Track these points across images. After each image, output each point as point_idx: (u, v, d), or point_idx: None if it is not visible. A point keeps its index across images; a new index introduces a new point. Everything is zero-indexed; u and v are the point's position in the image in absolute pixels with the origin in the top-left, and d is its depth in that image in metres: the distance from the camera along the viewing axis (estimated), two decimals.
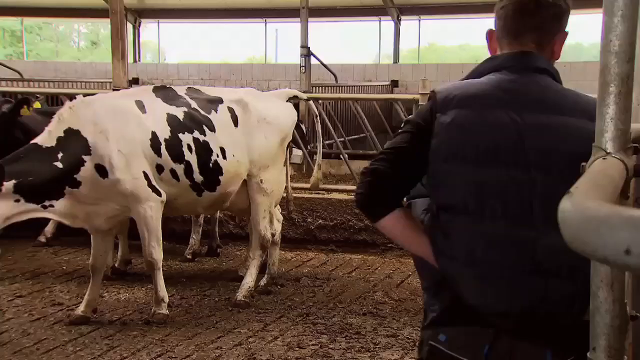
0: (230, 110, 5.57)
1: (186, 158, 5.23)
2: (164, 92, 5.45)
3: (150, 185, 5.06)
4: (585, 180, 1.08)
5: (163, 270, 6.68)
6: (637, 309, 1.67)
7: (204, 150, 5.31)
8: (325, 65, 14.06)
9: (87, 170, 4.88)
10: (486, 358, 1.95)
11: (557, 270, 1.89)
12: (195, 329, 5.09)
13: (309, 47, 12.39)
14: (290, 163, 11.82)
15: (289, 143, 7.04)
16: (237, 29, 23.20)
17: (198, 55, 23.81)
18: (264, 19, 21.47)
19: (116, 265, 6.58)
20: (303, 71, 12.23)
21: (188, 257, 7.12)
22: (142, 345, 4.73)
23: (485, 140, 1.94)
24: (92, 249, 5.26)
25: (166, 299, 5.29)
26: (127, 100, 5.26)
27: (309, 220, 7.64)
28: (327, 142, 11.55)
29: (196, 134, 5.29)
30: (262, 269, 6.64)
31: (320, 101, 10.79)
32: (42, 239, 7.64)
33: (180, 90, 5.59)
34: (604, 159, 1.27)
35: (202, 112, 5.42)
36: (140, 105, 5.22)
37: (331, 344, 4.80)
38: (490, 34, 2.19)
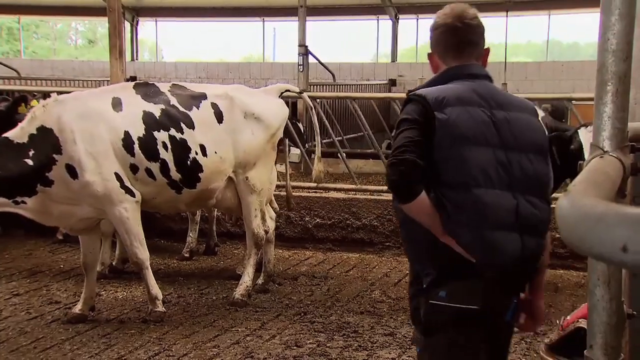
0: (214, 106, 5.45)
1: (161, 156, 5.13)
2: (145, 89, 5.35)
3: (123, 186, 4.99)
4: (583, 178, 1.09)
5: (160, 268, 6.71)
6: (634, 307, 1.67)
7: (181, 148, 5.20)
8: (323, 64, 14.06)
9: (58, 169, 4.84)
10: (482, 304, 2.41)
11: (529, 229, 2.44)
12: (193, 327, 5.09)
13: (307, 46, 12.39)
14: (289, 161, 11.84)
15: (286, 141, 7.03)
16: (235, 27, 23.19)
17: (196, 54, 23.78)
18: (262, 18, 21.48)
19: (114, 263, 6.57)
20: (301, 70, 12.22)
21: (185, 255, 7.12)
22: (139, 344, 4.73)
23: (476, 130, 2.46)
24: (81, 247, 5.27)
25: (159, 296, 5.28)
26: (104, 98, 5.18)
27: (306, 219, 7.65)
28: (325, 140, 11.56)
29: (172, 131, 5.18)
30: (260, 268, 6.64)
31: (318, 100, 10.80)
32: (59, 236, 7.65)
33: (163, 87, 5.49)
34: (601, 157, 1.28)
35: (181, 109, 5.31)
36: (117, 102, 5.13)
37: (329, 342, 4.80)
38: (430, 56, 2.71)
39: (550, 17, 19.58)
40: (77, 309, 5.22)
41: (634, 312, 1.60)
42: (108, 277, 6.34)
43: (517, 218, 2.43)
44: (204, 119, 5.36)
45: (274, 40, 21.93)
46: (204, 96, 5.48)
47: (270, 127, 5.65)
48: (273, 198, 6.86)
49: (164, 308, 5.28)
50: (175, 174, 5.19)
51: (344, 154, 8.90)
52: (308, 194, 7.85)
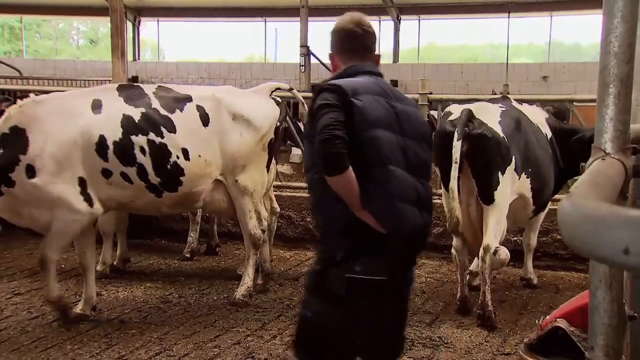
0: (200, 108, 5.34)
1: (138, 161, 5.03)
2: (128, 91, 5.27)
3: (83, 192, 4.92)
4: (585, 180, 1.09)
5: (161, 268, 6.72)
6: (635, 309, 1.67)
7: (160, 152, 5.09)
8: (324, 65, 14.06)
9: (19, 170, 4.77)
10: (391, 275, 2.77)
11: (425, 206, 2.86)
12: (194, 327, 5.09)
13: (309, 47, 12.41)
14: (289, 162, 11.85)
15: (287, 142, 7.02)
16: (237, 27, 23.20)
17: (197, 54, 23.79)
18: (264, 18, 21.50)
19: (115, 263, 6.58)
20: (302, 70, 12.25)
21: (187, 255, 7.12)
22: (140, 344, 4.73)
23: (384, 117, 2.82)
24: (76, 247, 5.27)
25: (53, 295, 5.10)
26: (84, 99, 5.12)
27: (308, 219, 7.64)
28: None
29: (152, 135, 5.07)
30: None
31: None
32: None
33: (148, 89, 5.39)
34: (603, 159, 1.28)
35: (163, 112, 5.19)
36: (97, 105, 5.06)
37: None
38: (332, 56, 3.06)
39: (552, 18, 19.58)
40: (79, 308, 5.22)
41: (635, 314, 1.60)
42: (109, 277, 6.34)
43: (417, 195, 2.84)
44: (188, 121, 5.24)
45: (275, 41, 21.95)
46: (188, 98, 5.37)
47: (260, 128, 5.52)
48: (274, 199, 6.87)
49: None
50: (154, 178, 5.08)
51: None
52: (308, 195, 7.82)
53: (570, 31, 21.10)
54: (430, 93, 7.70)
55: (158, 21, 22.92)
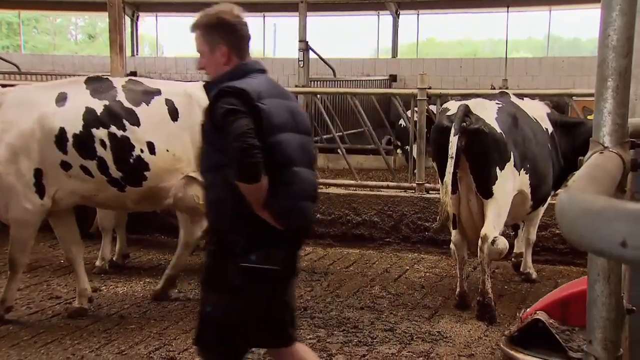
0: (169, 102, 5.24)
1: (99, 154, 4.94)
2: (96, 84, 5.20)
3: (37, 184, 4.89)
4: (583, 174, 1.09)
5: (160, 263, 6.72)
6: (633, 302, 1.68)
7: (121, 145, 5.00)
8: (323, 60, 14.04)
9: None
10: (284, 266, 3.03)
11: (315, 198, 3.19)
12: (193, 322, 5.06)
13: (308, 42, 12.37)
14: None
15: None
16: None
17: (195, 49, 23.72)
18: (263, 13, 21.44)
19: (114, 259, 6.58)
20: (301, 65, 12.21)
21: None
22: (139, 339, 4.74)
23: (286, 118, 2.99)
24: (60, 242, 5.28)
25: (8, 303, 5.10)
26: (50, 92, 5.10)
27: None
28: (325, 136, 11.57)
29: (113, 128, 5.00)
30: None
31: (318, 96, 10.80)
32: None
33: (118, 82, 5.31)
34: (601, 152, 1.28)
35: (127, 105, 5.10)
36: (62, 97, 5.03)
37: (329, 337, 4.81)
38: (219, 48, 3.09)
39: (551, 12, 19.56)
40: (76, 303, 5.22)
41: (634, 308, 1.61)
42: (108, 272, 6.35)
43: (314, 190, 3.14)
44: (154, 115, 5.15)
45: (274, 36, 21.91)
46: (157, 92, 5.27)
47: None
48: None
49: (6, 315, 5.11)
50: (115, 172, 5.00)
51: (344, 150, 8.89)
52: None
53: (569, 26, 21.07)
54: (429, 88, 7.70)
55: (157, 16, 22.86)
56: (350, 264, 6.88)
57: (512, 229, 6.67)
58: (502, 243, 5.17)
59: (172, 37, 24.65)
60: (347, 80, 15.59)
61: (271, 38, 21.91)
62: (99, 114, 5.02)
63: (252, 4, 20.76)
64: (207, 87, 3.10)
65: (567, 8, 19.35)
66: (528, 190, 5.49)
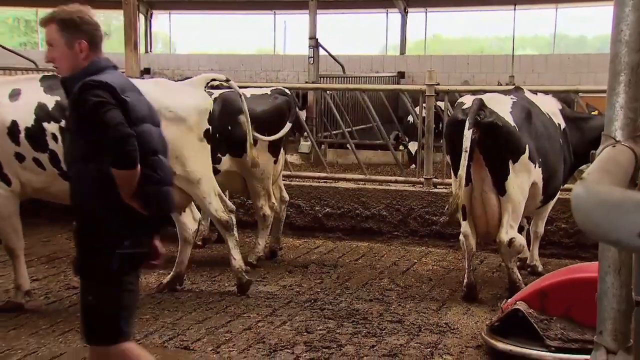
0: None
1: (50, 147, 5.06)
2: (50, 81, 5.21)
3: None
4: (596, 167, 1.08)
5: (174, 256, 6.73)
6: None
7: None
8: (333, 57, 14.02)
9: None
10: (149, 249, 3.17)
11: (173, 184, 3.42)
12: (206, 313, 5.11)
13: (317, 39, 12.36)
14: (298, 152, 11.84)
15: (296, 133, 6.96)
16: (247, 20, 23.15)
17: (208, 46, 23.76)
18: (273, 11, 21.42)
19: None
20: (311, 62, 12.20)
21: (198, 243, 7.12)
22: (154, 329, 4.76)
23: (146, 111, 3.18)
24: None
25: (24, 287, 5.18)
26: (5, 87, 5.21)
27: (316, 208, 7.65)
28: (334, 132, 11.55)
29: (63, 123, 4.93)
30: (272, 255, 6.68)
31: (328, 92, 10.79)
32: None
33: None
34: (613, 146, 1.27)
35: None
36: (16, 93, 5.15)
37: (338, 328, 4.82)
38: (78, 42, 3.13)
39: (558, 10, 19.42)
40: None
41: None
42: None
43: (172, 177, 3.34)
44: None
45: (284, 33, 21.87)
46: None
47: (187, 120, 5.34)
48: (283, 187, 6.87)
49: (24, 300, 5.18)
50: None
51: (354, 145, 8.88)
52: (318, 184, 7.85)
53: (575, 23, 20.93)
54: (437, 84, 7.67)
55: (170, 14, 22.87)
56: (359, 256, 6.88)
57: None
58: (519, 243, 5.21)
59: (184, 34, 24.68)
60: (356, 77, 15.56)
61: (281, 35, 21.87)
62: (50, 108, 5.14)
63: (264, 1, 20.77)
64: (67, 81, 3.17)
65: (573, 6, 19.21)
66: (540, 184, 5.47)
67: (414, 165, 9.56)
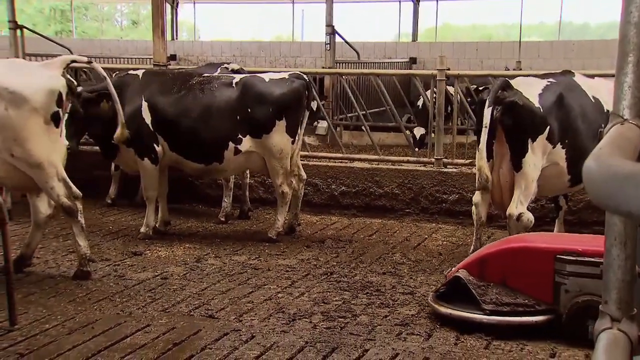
0: None
1: None
2: None
3: None
4: (607, 142, 1.06)
5: (199, 231, 6.79)
6: None
7: None
8: (348, 43, 13.90)
9: None
10: None
11: None
12: (229, 284, 5.14)
13: (334, 26, 12.25)
14: (315, 134, 11.80)
15: (313, 115, 6.92)
16: (267, 9, 23.04)
17: (230, 34, 23.71)
18: (292, 0, 21.28)
19: (157, 226, 6.65)
20: (328, 49, 12.10)
21: (221, 219, 7.17)
22: (181, 298, 4.80)
23: None
24: None
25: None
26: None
27: (332, 186, 7.64)
28: (349, 114, 11.50)
29: None
30: (291, 230, 6.69)
31: (344, 77, 10.72)
32: (108, 200, 7.80)
33: None
34: (621, 124, 1.24)
35: None
36: None
37: (353, 300, 4.83)
38: None
39: None
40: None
41: None
42: (152, 238, 6.42)
43: None
44: None
45: (302, 21, 21.74)
46: None
47: (31, 101, 4.97)
48: (301, 167, 6.87)
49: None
50: None
51: (368, 127, 8.84)
52: (334, 164, 7.83)
53: (579, 11, 20.62)
54: (448, 69, 7.59)
55: (194, 3, 22.79)
56: (373, 232, 6.88)
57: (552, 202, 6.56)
58: (527, 219, 5.21)
59: (208, 22, 24.63)
60: (370, 63, 15.44)
61: (299, 23, 21.75)
62: None
63: None
64: None
65: None
66: (564, 164, 5.39)
67: (418, 150, 9.51)
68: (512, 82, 5.41)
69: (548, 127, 5.22)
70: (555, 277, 4.10)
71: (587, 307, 3.97)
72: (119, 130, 6.06)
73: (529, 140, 5.19)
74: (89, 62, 5.84)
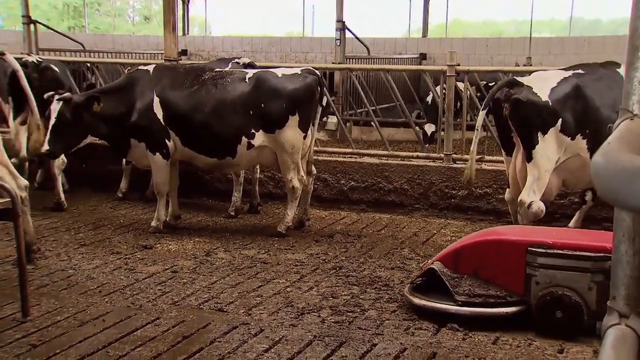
0: None
1: None
2: None
3: None
4: (615, 137, 1.05)
5: (209, 225, 6.81)
6: None
7: None
8: (358, 39, 13.86)
9: None
10: None
11: None
12: (238, 278, 5.16)
13: (344, 22, 12.22)
14: (325, 129, 11.79)
15: (323, 110, 6.90)
16: (277, 4, 23.03)
17: (241, 29, 23.72)
18: None
19: (167, 220, 6.67)
20: (338, 44, 12.08)
21: (231, 213, 7.18)
22: (190, 292, 4.82)
23: None
24: None
25: None
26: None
27: (342, 181, 7.63)
28: (359, 110, 11.48)
29: None
30: (300, 225, 6.68)
31: (354, 72, 10.70)
32: (119, 194, 7.83)
33: None
34: (631, 119, 1.23)
35: None
36: None
37: (362, 294, 4.83)
38: None
39: None
40: None
41: None
42: (162, 232, 6.44)
43: None
44: None
45: (313, 17, 21.70)
46: None
47: None
48: (312, 161, 6.86)
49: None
50: None
51: (377, 123, 8.82)
52: (344, 159, 7.82)
53: (591, 7, 20.43)
54: (458, 65, 7.55)
55: None
56: (382, 227, 6.87)
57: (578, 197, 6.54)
58: (537, 207, 5.29)
59: (219, 18, 24.65)
60: (381, 58, 15.39)
61: (310, 19, 21.70)
62: None
63: None
64: None
65: None
66: (586, 155, 5.39)
67: (427, 145, 9.48)
68: (528, 77, 5.56)
69: (560, 119, 5.30)
70: (527, 269, 4.18)
71: (556, 299, 4.06)
72: (34, 135, 5.94)
73: (539, 134, 5.29)
74: (2, 54, 5.92)
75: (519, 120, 5.35)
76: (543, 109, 5.29)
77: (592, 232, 4.92)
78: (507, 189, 5.82)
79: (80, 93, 6.64)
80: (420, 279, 4.61)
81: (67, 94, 6.20)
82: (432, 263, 4.53)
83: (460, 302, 4.21)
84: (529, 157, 5.36)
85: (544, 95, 5.33)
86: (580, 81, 5.44)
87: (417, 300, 4.41)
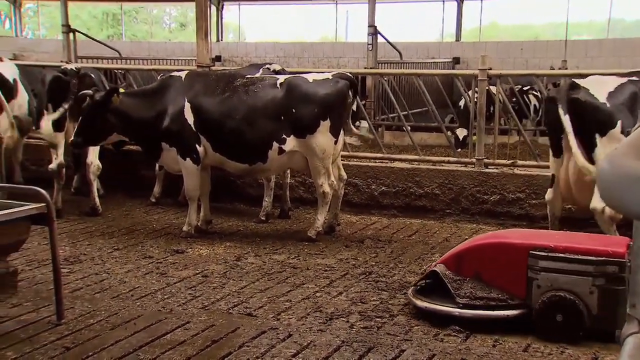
0: None
1: None
2: None
3: None
4: (625, 143, 1.02)
5: (240, 229, 6.86)
6: None
7: None
8: (391, 44, 13.84)
9: None
10: None
11: None
12: (268, 283, 5.18)
13: (376, 27, 12.22)
14: (359, 134, 11.80)
15: (354, 115, 6.91)
16: (311, 10, 23.13)
17: (274, 35, 23.88)
18: (336, 1, 21.30)
19: (199, 224, 6.74)
20: (370, 49, 12.09)
21: (262, 218, 7.22)
22: (220, 296, 4.85)
23: None
24: None
25: None
26: None
27: (372, 186, 7.61)
28: (391, 115, 11.44)
29: None
30: (330, 230, 6.67)
31: (385, 77, 10.67)
32: (152, 199, 7.95)
33: None
34: None
35: None
36: None
37: (391, 300, 4.80)
38: None
39: None
40: None
41: None
42: (194, 236, 6.51)
43: None
44: None
45: (346, 22, 21.74)
46: None
47: None
48: (342, 167, 6.86)
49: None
50: None
51: (409, 127, 8.77)
52: (375, 164, 7.80)
53: (632, 8, 19.95)
54: (490, 69, 7.47)
55: (239, 5, 23.03)
56: (413, 233, 6.82)
57: None
58: (609, 210, 5.23)
59: (253, 24, 24.86)
60: (413, 63, 15.32)
61: (343, 24, 21.74)
62: None
63: None
64: None
65: None
66: None
67: (459, 150, 9.39)
68: (584, 80, 5.55)
69: (619, 121, 5.26)
70: (528, 272, 4.16)
71: (557, 302, 4.03)
72: (9, 132, 6.20)
73: (597, 135, 5.26)
74: None
75: (576, 120, 5.28)
76: (601, 110, 5.27)
77: (596, 236, 4.83)
78: (549, 189, 5.70)
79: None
80: (423, 281, 4.61)
81: (88, 91, 6.58)
82: (435, 265, 4.54)
83: (461, 305, 4.23)
84: (590, 160, 5.26)
85: (601, 97, 5.33)
86: (637, 87, 5.44)
87: (420, 303, 4.44)
